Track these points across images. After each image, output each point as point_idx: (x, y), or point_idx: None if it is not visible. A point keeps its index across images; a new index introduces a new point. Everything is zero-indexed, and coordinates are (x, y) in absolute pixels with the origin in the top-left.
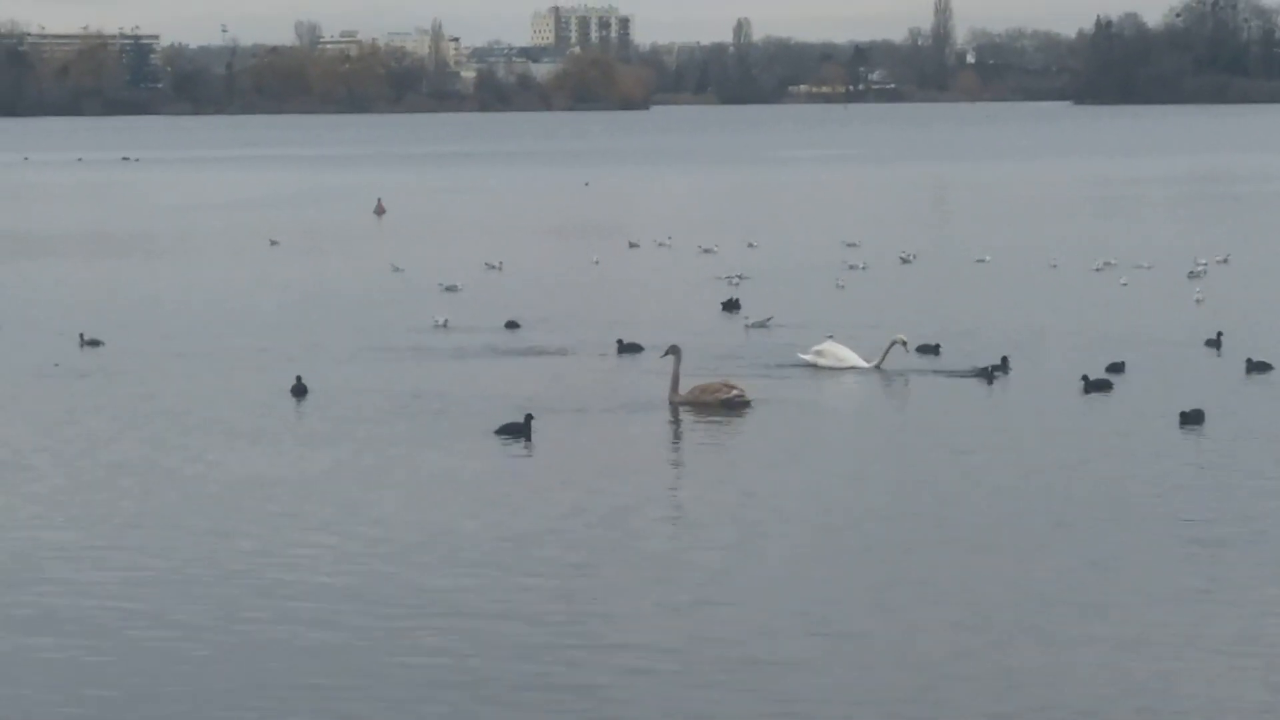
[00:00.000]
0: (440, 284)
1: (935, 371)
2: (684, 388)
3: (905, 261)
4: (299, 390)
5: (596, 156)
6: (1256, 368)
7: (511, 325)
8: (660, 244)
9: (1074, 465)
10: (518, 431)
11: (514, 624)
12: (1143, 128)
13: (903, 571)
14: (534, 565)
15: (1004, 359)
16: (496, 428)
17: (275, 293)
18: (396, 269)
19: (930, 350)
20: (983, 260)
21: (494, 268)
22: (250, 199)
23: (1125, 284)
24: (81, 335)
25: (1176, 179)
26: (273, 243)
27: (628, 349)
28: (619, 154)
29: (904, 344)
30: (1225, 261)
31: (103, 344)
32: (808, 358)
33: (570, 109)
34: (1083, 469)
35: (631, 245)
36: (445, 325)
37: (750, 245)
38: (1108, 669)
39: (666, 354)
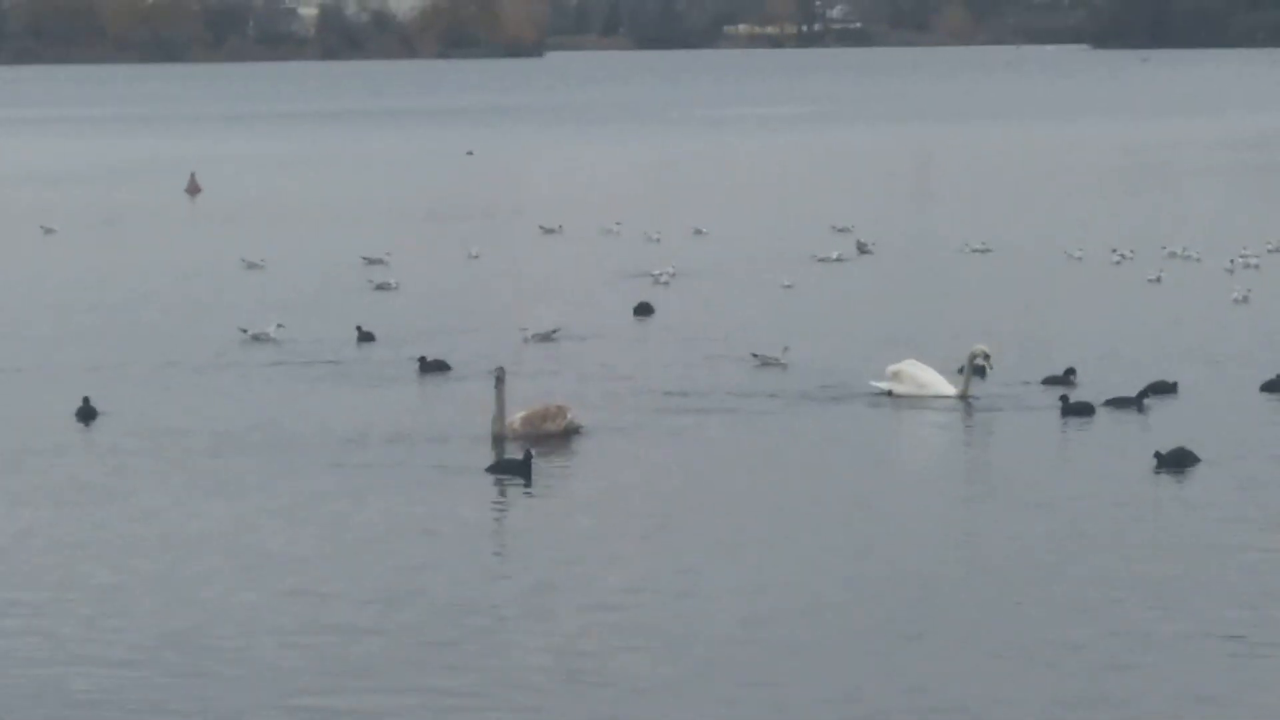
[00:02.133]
0: (370, 281)
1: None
2: (508, 414)
3: (863, 250)
4: (86, 414)
5: (479, 117)
6: (1077, 410)
7: (366, 337)
8: (608, 231)
9: (1022, 511)
10: (516, 469)
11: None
12: (1179, 79)
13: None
14: (354, 607)
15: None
16: (489, 465)
17: (51, 293)
18: (251, 264)
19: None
20: (981, 249)
21: (376, 261)
22: (20, 173)
23: (1157, 279)
24: None
25: (1221, 144)
26: (46, 230)
27: (431, 368)
28: (507, 114)
29: (986, 357)
30: (1277, 251)
31: None
32: (883, 385)
33: (441, 56)
34: (1027, 518)
35: (546, 230)
36: (273, 336)
37: (698, 232)
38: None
39: (497, 382)
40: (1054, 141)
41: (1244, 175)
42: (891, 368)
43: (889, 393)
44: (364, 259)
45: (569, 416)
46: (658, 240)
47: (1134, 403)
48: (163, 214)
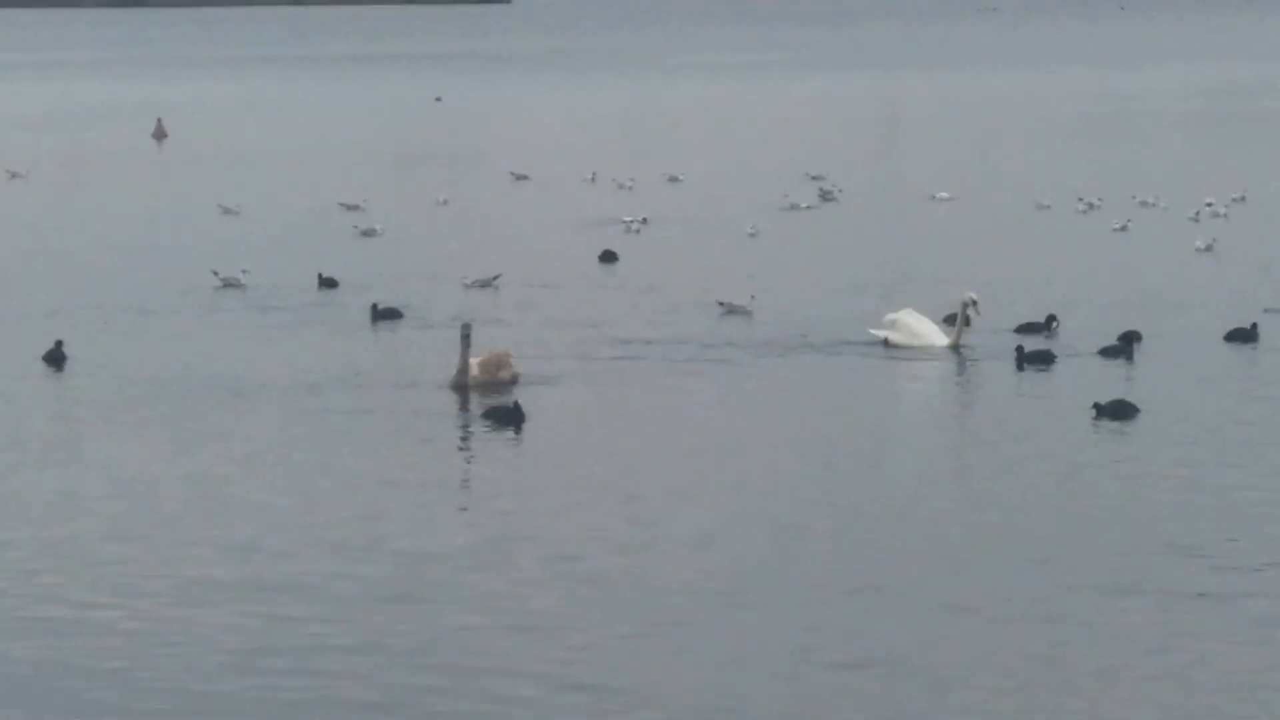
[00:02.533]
0: (356, 227)
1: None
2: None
3: (827, 198)
4: (55, 358)
5: (446, 63)
6: (1035, 358)
7: (327, 283)
8: (579, 178)
9: (978, 464)
10: (508, 418)
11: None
12: (1151, 26)
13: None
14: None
15: (1130, 333)
16: (484, 411)
17: (20, 238)
18: (228, 210)
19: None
20: (938, 198)
21: (353, 208)
22: None
23: (1123, 227)
24: None
25: (1190, 93)
26: (13, 175)
27: (384, 315)
28: (476, 60)
29: (974, 304)
30: (1242, 200)
31: None
32: (880, 333)
33: (409, 1)
34: (982, 471)
35: (517, 177)
36: (242, 282)
37: (673, 179)
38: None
39: (464, 335)
40: (1018, 90)
41: (1213, 124)
42: (889, 316)
43: (885, 341)
44: (342, 205)
45: (512, 364)
46: (629, 188)
47: (1124, 351)
48: (130, 159)
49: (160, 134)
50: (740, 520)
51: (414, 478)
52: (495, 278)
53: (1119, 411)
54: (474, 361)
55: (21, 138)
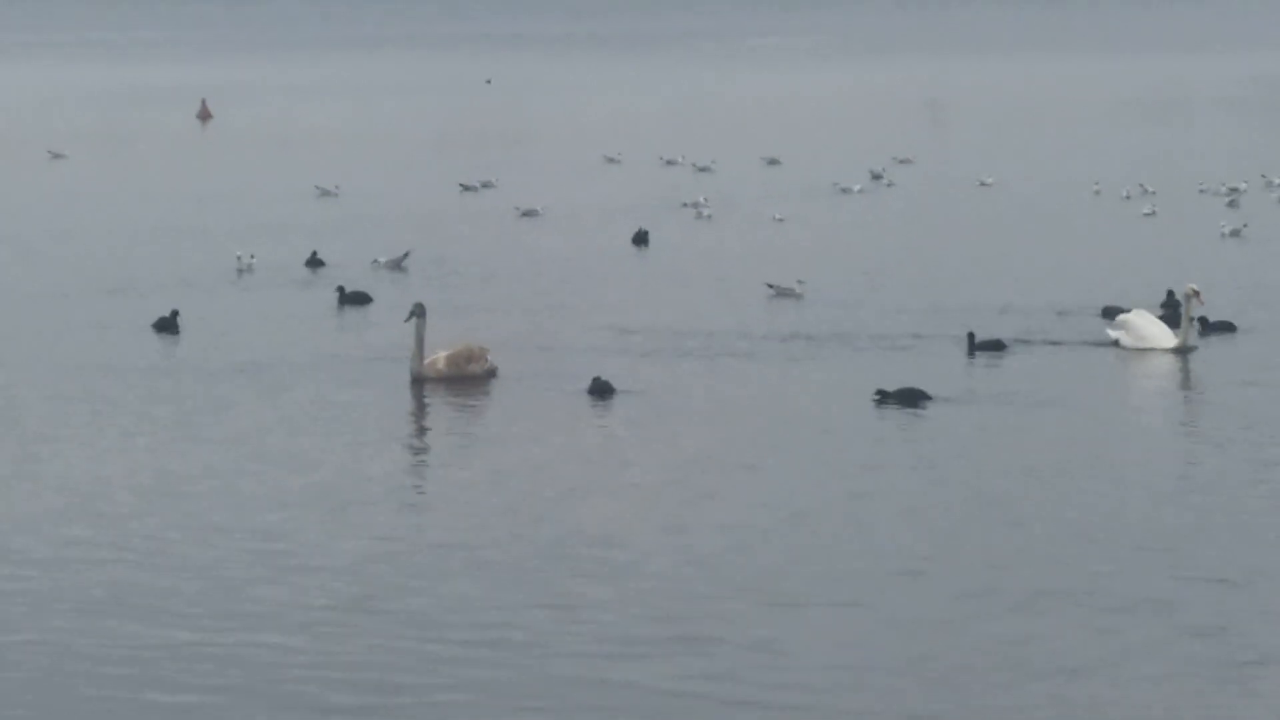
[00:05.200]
0: (517, 209)
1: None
2: (429, 353)
3: (878, 178)
4: (166, 326)
5: (495, 45)
6: (987, 346)
7: (315, 263)
8: (671, 162)
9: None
10: (606, 391)
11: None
12: (1205, 15)
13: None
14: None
15: None
16: (588, 387)
17: (57, 219)
18: (325, 191)
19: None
20: (985, 183)
21: (470, 188)
22: (25, 100)
23: (1151, 213)
24: None
25: (1241, 80)
26: (54, 155)
27: (350, 300)
28: (525, 41)
29: (1196, 295)
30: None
31: None
32: (1114, 333)
33: None
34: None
35: (609, 161)
36: (250, 267)
37: (772, 162)
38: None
39: (411, 316)
40: (1069, 78)
41: (1265, 111)
42: (1120, 316)
43: (1116, 343)
44: (462, 186)
45: (488, 359)
46: (711, 170)
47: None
48: (174, 139)
49: (205, 115)
50: (709, 525)
51: (387, 475)
52: (405, 256)
53: (904, 398)
54: (444, 354)
55: (63, 118)
